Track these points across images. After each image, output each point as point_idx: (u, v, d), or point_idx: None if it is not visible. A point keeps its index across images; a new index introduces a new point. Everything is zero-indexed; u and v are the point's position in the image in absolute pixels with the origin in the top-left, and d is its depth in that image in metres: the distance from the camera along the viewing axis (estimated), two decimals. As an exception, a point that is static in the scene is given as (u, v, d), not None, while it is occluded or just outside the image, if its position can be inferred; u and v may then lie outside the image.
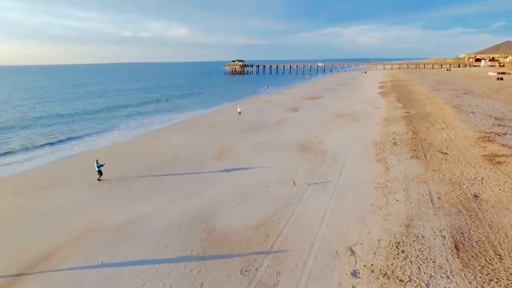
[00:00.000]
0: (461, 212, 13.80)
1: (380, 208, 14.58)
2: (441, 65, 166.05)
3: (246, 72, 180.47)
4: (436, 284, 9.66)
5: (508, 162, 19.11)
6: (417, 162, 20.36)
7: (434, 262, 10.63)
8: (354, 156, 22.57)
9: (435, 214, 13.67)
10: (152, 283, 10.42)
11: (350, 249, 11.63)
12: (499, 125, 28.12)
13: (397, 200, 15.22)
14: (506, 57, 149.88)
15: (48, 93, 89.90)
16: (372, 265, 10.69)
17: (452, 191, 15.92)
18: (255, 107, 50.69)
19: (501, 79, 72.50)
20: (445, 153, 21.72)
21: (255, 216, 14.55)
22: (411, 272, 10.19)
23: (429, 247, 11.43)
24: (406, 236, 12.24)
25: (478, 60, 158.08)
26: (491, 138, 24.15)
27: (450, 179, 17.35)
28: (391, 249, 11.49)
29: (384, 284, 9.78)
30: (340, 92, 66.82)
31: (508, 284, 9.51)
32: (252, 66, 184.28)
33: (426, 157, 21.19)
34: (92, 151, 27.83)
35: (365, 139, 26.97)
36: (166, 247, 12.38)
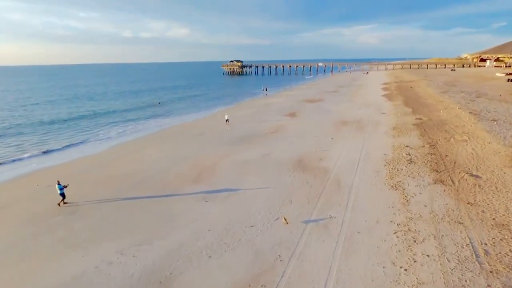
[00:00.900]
0: (524, 280, 9.57)
1: (406, 270, 10.33)
2: (445, 65, 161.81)
3: (245, 73, 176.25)
4: None
5: None
6: (444, 190, 16.10)
7: None
8: (362, 179, 18.32)
9: (488, 286, 9.42)
10: None
11: None
12: (532, 136, 23.88)
13: (428, 256, 10.97)
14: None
15: (36, 95, 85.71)
16: None
17: (501, 239, 11.67)
18: (251, 112, 46.46)
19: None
20: (477, 177, 17.45)
21: (227, 283, 10.31)
22: None
23: None
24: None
25: (483, 60, 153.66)
26: (528, 155, 19.92)
27: (494, 219, 13.10)
28: None
29: None
30: (342, 95, 62.56)
31: None
32: (251, 67, 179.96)
33: (453, 182, 16.93)
34: (52, 168, 23.64)
35: (374, 155, 22.70)
36: None
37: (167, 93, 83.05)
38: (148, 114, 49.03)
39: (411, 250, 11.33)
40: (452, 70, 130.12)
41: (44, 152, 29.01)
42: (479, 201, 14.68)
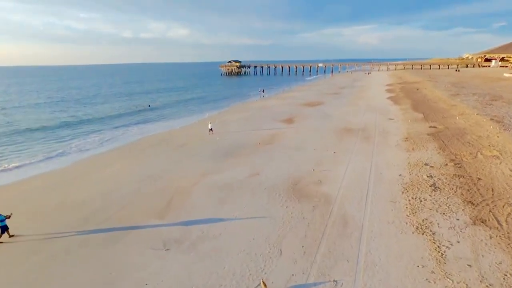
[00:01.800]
0: None
1: None
2: (448, 66, 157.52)
3: (243, 73, 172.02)
4: None
5: None
6: (489, 236, 11.83)
7: None
8: (375, 215, 14.04)
9: None
10: None
11: None
12: None
13: None
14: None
15: (22, 98, 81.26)
16: None
17: None
18: (244, 116, 42.18)
19: (525, 81, 64.00)
20: (529, 213, 13.18)
21: None
22: None
23: None
24: None
25: (488, 60, 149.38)
26: None
27: None
28: None
29: None
30: (344, 97, 58.27)
31: None
32: (249, 67, 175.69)
33: (499, 223, 12.65)
34: (-5, 191, 19.37)
35: (387, 176, 18.42)
36: None
37: (161, 96, 78.61)
38: (135, 120, 44.50)
39: None
40: (456, 70, 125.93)
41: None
42: (545, 257, 10.41)
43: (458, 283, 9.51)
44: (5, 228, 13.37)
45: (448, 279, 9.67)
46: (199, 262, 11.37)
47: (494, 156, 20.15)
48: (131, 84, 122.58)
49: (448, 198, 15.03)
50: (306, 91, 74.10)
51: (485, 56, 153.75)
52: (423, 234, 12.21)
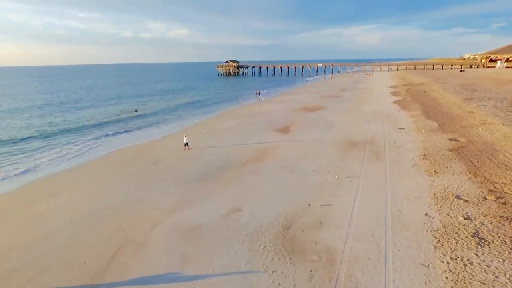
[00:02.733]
0: None
1: None
2: (451, 66, 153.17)
3: (241, 73, 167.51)
4: None
5: None
6: None
7: None
8: (402, 291, 9.51)
9: None
10: None
11: None
12: None
13: None
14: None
15: (5, 101, 76.70)
16: None
17: None
18: (235, 124, 37.65)
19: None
20: None
21: None
22: None
23: None
24: None
25: (493, 60, 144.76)
26: None
27: None
28: None
29: None
30: (346, 101, 53.70)
31: None
32: (247, 67, 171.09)
33: None
34: None
35: (410, 218, 13.81)
36: None
37: (152, 99, 73.76)
38: (114, 129, 39.34)
39: None
40: (461, 71, 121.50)
41: None
42: None
43: None
44: None
45: None
46: None
47: (546, 186, 15.62)
48: (124, 86, 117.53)
49: (504, 261, 10.47)
50: (305, 93, 69.55)
51: (489, 56, 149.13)
52: None
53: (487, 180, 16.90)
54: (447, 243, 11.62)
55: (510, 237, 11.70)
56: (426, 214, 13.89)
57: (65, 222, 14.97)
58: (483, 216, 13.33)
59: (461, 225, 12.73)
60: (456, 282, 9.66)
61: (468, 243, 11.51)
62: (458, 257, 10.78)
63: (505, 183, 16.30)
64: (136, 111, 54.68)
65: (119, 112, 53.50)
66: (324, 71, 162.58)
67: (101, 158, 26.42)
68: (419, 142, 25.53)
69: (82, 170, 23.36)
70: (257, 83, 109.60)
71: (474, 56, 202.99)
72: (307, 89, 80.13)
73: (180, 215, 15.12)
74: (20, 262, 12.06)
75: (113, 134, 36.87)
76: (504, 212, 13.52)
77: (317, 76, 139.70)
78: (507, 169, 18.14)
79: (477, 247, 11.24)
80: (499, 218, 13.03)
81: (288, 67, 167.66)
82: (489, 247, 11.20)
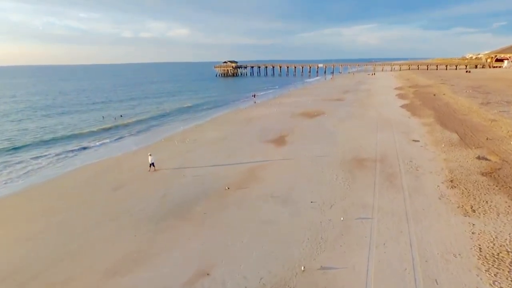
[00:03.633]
0: None
1: None
2: (456, 66, 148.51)
3: (239, 74, 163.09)
4: None
5: None
6: None
7: None
8: None
9: None
10: None
11: None
12: None
13: None
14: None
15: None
16: None
17: None
18: (223, 133, 33.17)
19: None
20: None
21: None
22: None
23: None
24: None
25: (499, 60, 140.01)
26: None
27: None
28: None
29: None
30: (348, 105, 49.18)
31: None
32: (246, 68, 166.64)
33: None
34: None
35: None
36: None
37: (142, 103, 68.73)
38: (89, 140, 34.14)
39: None
40: (466, 71, 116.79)
41: None
42: None
43: None
44: None
45: None
46: None
47: None
48: (118, 88, 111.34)
49: None
50: (304, 95, 65.02)
51: (495, 56, 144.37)
52: None
53: (549, 226, 12.41)
54: None
55: None
56: (478, 290, 9.42)
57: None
58: None
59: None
60: None
61: None
62: None
63: None
64: (121, 116, 50.21)
65: (103, 119, 48.91)
66: (325, 71, 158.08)
67: (52, 181, 21.83)
68: (440, 161, 21.03)
69: (21, 199, 18.87)
70: (255, 85, 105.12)
71: (477, 56, 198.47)
72: (306, 91, 75.60)
73: (120, 282, 10.64)
74: None
75: (82, 148, 31.05)
76: None
77: (317, 77, 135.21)
78: None
79: None
80: None
81: (287, 67, 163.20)
82: None
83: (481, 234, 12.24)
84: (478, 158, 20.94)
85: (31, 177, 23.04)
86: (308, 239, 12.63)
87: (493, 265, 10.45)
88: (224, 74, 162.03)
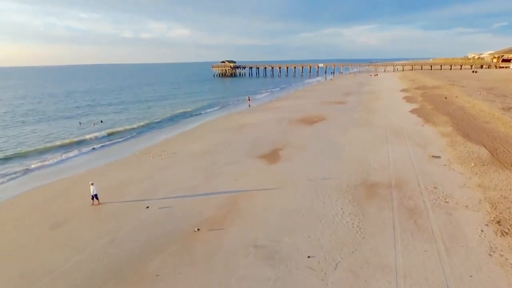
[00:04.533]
0: None
1: None
2: (461, 66, 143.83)
3: (238, 74, 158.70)
4: None
5: None
6: None
7: None
8: None
9: None
10: None
11: None
12: None
13: None
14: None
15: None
16: None
17: None
18: (208, 145, 28.66)
19: None
20: None
21: None
22: None
23: None
24: None
25: (506, 60, 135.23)
26: None
27: None
28: None
29: None
30: (351, 109, 44.62)
31: None
32: (244, 68, 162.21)
33: None
34: None
35: None
36: None
37: (130, 107, 63.60)
38: (54, 155, 29.50)
39: None
40: (473, 72, 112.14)
41: None
42: None
43: None
44: None
45: None
46: None
47: None
48: (109, 91, 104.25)
49: None
50: (304, 98, 60.47)
51: (502, 56, 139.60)
52: None
53: None
54: None
55: None
56: None
57: None
58: None
59: None
60: None
61: None
62: None
63: None
64: (101, 122, 45.80)
65: (79, 124, 44.40)
66: (325, 72, 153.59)
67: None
68: (474, 188, 16.45)
69: None
70: (253, 86, 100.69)
71: (479, 56, 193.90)
72: (306, 93, 71.03)
73: None
74: None
75: (39, 168, 26.06)
76: None
77: (318, 78, 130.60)
78: None
79: None
80: None
81: (287, 68, 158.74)
82: None
83: None
84: (523, 185, 16.36)
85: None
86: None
87: None
88: (222, 74, 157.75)
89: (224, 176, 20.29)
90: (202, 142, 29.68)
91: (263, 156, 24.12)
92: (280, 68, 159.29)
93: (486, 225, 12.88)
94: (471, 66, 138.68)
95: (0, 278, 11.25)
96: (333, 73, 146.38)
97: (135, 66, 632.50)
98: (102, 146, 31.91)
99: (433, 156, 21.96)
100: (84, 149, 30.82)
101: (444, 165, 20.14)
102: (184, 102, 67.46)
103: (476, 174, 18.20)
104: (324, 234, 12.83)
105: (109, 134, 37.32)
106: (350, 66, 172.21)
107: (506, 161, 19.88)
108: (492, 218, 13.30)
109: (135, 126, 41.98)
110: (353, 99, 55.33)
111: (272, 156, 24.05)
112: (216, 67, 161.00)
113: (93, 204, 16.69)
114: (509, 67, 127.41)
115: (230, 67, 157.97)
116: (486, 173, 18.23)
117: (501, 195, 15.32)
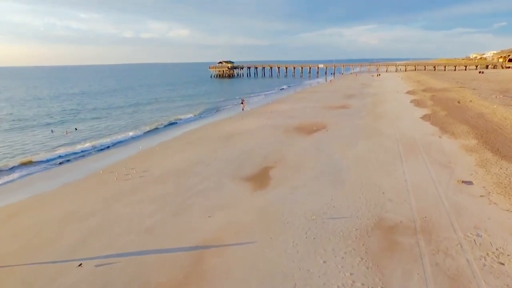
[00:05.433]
0: None
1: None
2: (466, 67, 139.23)
3: (236, 75, 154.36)
4: None
5: None
6: None
7: None
8: None
9: None
10: None
11: None
12: None
13: None
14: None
15: None
16: None
17: None
18: (181, 166, 24.09)
19: None
20: None
21: None
22: None
23: None
24: None
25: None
26: None
27: None
28: None
29: None
30: (355, 115, 40.04)
31: None
32: (242, 68, 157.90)
33: None
34: None
35: None
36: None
37: (116, 112, 58.90)
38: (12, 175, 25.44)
39: None
40: (480, 72, 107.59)
41: None
42: None
43: None
44: None
45: None
46: None
47: None
48: (99, 94, 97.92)
49: None
50: (302, 101, 55.89)
51: (509, 55, 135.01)
52: None
53: None
54: None
55: None
56: None
57: None
58: None
59: None
60: None
61: None
62: None
63: None
64: (76, 129, 41.29)
65: (51, 132, 39.84)
66: (326, 72, 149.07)
67: None
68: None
69: None
70: (250, 87, 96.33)
71: (481, 56, 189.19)
72: (305, 95, 66.42)
73: None
74: None
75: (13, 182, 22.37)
76: None
77: (318, 79, 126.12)
78: None
79: None
80: None
81: (286, 68, 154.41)
82: None
83: None
84: None
85: None
86: None
87: None
88: (219, 75, 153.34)
89: (196, 209, 15.70)
90: (181, 157, 25.11)
91: (249, 178, 19.52)
92: (279, 68, 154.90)
93: None
94: (476, 66, 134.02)
95: None
96: (334, 73, 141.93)
97: (135, 66, 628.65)
98: (60, 163, 26.94)
99: (463, 182, 17.35)
100: (39, 168, 25.90)
101: (482, 196, 15.54)
102: (175, 107, 62.61)
103: (530, 213, 13.60)
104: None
105: (76, 144, 32.63)
106: (351, 66, 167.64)
107: None
108: None
109: (111, 135, 37.33)
110: (356, 103, 50.76)
111: (261, 178, 19.45)
112: (213, 68, 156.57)
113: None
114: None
115: (228, 67, 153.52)
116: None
117: None
